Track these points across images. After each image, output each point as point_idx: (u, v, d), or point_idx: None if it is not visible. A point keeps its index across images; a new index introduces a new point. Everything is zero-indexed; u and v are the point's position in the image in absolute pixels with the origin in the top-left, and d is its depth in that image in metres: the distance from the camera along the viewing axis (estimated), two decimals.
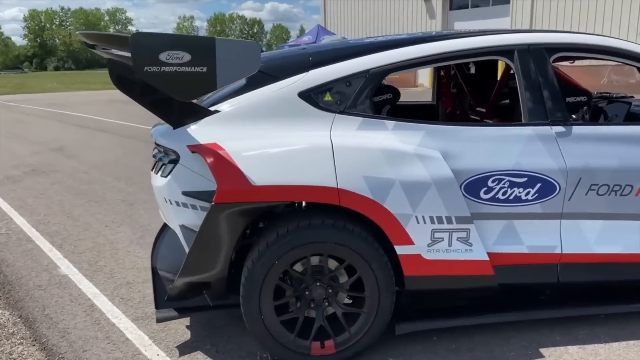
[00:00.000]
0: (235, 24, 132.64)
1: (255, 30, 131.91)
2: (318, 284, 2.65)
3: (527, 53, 2.86)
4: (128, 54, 2.42)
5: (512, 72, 3.00)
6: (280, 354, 2.65)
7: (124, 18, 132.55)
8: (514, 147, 2.73)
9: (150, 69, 2.24)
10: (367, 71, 2.76)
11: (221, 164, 2.47)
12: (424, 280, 2.68)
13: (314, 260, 2.63)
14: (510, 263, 2.77)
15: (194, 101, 2.75)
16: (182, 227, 2.69)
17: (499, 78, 4.47)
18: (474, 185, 2.68)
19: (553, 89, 2.83)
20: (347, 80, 2.74)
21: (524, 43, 2.88)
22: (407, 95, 5.34)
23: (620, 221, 2.84)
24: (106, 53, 2.77)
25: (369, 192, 2.52)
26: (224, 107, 2.71)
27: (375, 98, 3.51)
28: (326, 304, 2.68)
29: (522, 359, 2.72)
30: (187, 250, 2.70)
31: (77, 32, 2.98)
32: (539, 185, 2.72)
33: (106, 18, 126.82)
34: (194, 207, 2.63)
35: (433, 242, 2.62)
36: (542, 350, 2.78)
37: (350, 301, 2.74)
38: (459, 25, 23.05)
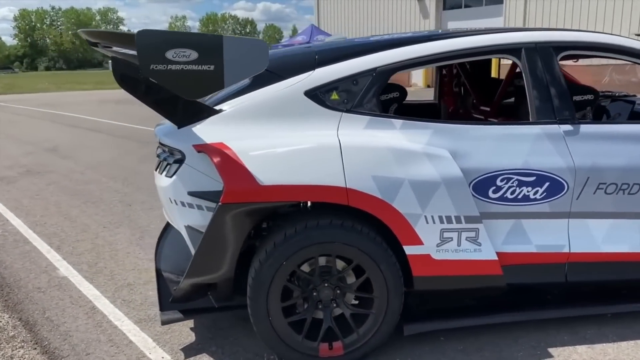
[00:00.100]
0: (227, 24, 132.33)
1: (247, 30, 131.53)
2: (326, 284, 2.62)
3: (534, 51, 2.85)
4: (133, 52, 2.39)
5: (518, 70, 2.98)
6: (288, 355, 2.62)
7: (115, 18, 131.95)
8: (523, 145, 2.71)
9: (156, 67, 2.20)
10: (374, 69, 2.73)
11: (228, 164, 2.43)
12: (433, 281, 2.65)
13: (321, 261, 2.60)
14: (518, 263, 2.75)
15: (199, 100, 2.71)
16: (188, 227, 2.65)
17: (493, 76, 4.48)
18: (483, 185, 2.66)
19: (561, 87, 2.82)
20: (354, 78, 2.71)
21: (531, 41, 2.87)
22: None
23: (628, 220, 2.83)
24: (109, 51, 2.73)
25: (378, 191, 2.49)
26: (229, 106, 2.68)
27: (382, 97, 3.49)
28: (334, 305, 2.65)
29: (531, 359, 2.70)
30: (192, 251, 2.67)
31: (79, 30, 2.93)
32: (547, 184, 2.70)
33: (97, 18, 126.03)
34: (199, 207, 2.59)
35: (442, 242, 2.59)
36: (551, 350, 2.76)
37: (357, 302, 2.71)
38: (453, 25, 23.10)
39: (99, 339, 2.99)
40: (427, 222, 2.56)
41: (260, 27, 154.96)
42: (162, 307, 2.87)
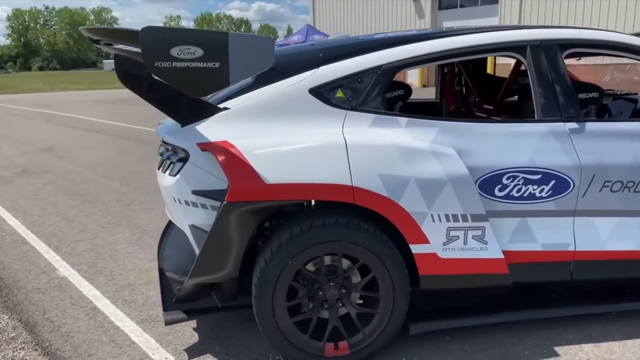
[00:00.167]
0: (222, 24, 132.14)
1: (242, 30, 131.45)
2: (331, 284, 2.60)
3: (539, 49, 2.84)
4: (137, 49, 2.36)
5: (522, 68, 2.97)
6: (293, 355, 2.60)
7: (109, 17, 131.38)
8: (528, 143, 2.70)
9: (161, 64, 2.17)
10: (379, 67, 2.71)
11: (233, 162, 2.41)
12: (439, 280, 2.64)
13: (326, 260, 2.58)
14: (524, 261, 2.74)
15: (202, 98, 2.69)
16: (192, 226, 2.62)
17: (490, 74, 4.47)
18: (489, 183, 2.64)
19: (566, 85, 2.81)
20: (358, 76, 2.69)
21: (536, 39, 2.85)
22: None
23: (634, 218, 2.83)
24: (111, 48, 2.70)
25: (385, 190, 2.47)
26: (232, 104, 2.65)
27: (387, 95, 3.47)
28: (340, 304, 2.63)
29: (537, 357, 2.69)
30: (196, 250, 2.64)
31: (80, 28, 2.89)
32: (553, 182, 2.69)
33: (91, 17, 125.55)
34: (204, 206, 2.57)
35: (448, 240, 2.58)
36: (557, 349, 2.75)
37: (362, 301, 2.69)
38: (448, 25, 23.13)
39: (101, 340, 2.96)
40: (434, 221, 2.54)
41: (255, 27, 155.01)
42: (166, 308, 2.84)
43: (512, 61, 3.36)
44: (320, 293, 2.60)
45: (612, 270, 2.87)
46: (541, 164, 2.68)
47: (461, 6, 23.09)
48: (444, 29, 3.12)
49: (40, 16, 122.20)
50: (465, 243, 2.60)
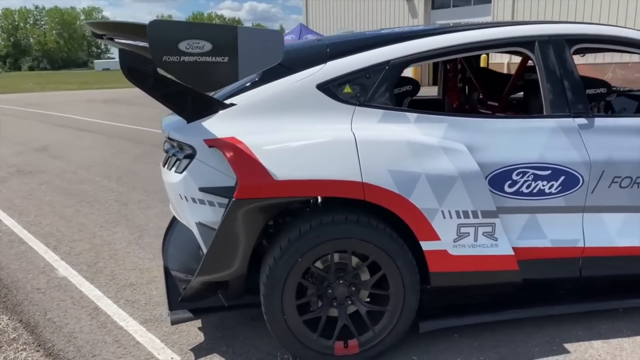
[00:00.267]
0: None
1: None
2: (341, 281, 2.57)
3: (547, 44, 2.82)
4: (143, 44, 2.32)
5: (530, 64, 2.95)
6: (303, 354, 2.56)
7: (100, 17, 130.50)
8: (538, 139, 2.68)
9: (169, 58, 2.13)
10: (387, 62, 2.68)
11: (242, 159, 2.37)
12: (449, 277, 2.61)
13: (335, 257, 2.55)
14: (533, 258, 2.72)
15: (208, 94, 2.65)
16: (199, 224, 2.58)
17: (493, 70, 4.45)
18: (499, 179, 2.62)
19: (574, 80, 2.80)
20: (366, 71, 2.66)
21: (544, 34, 2.84)
22: None
23: None
24: (116, 43, 2.65)
25: (395, 186, 2.44)
26: (239, 100, 2.61)
27: (396, 90, 3.44)
28: (349, 302, 2.60)
29: (547, 354, 2.67)
30: (204, 248, 2.60)
31: (85, 23, 2.84)
32: (562, 178, 2.67)
33: (82, 17, 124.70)
34: (211, 203, 2.53)
35: (459, 237, 2.55)
36: (567, 346, 2.74)
37: (369, 299, 2.66)
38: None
39: (105, 340, 2.91)
40: (444, 217, 2.52)
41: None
42: (171, 307, 2.79)
43: (505, 61, 3.34)
44: (330, 291, 2.57)
45: (621, 267, 2.86)
46: (551, 160, 2.66)
47: (454, 6, 23.14)
48: (451, 24, 3.09)
49: (30, 16, 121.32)
50: (475, 240, 2.58)
